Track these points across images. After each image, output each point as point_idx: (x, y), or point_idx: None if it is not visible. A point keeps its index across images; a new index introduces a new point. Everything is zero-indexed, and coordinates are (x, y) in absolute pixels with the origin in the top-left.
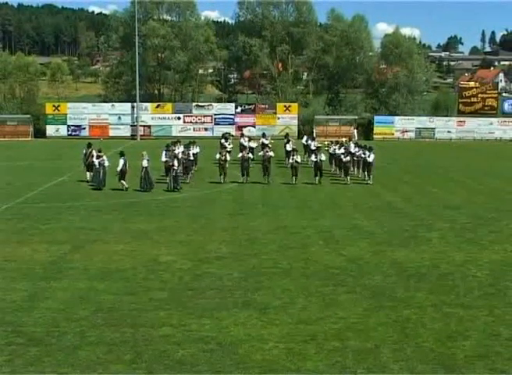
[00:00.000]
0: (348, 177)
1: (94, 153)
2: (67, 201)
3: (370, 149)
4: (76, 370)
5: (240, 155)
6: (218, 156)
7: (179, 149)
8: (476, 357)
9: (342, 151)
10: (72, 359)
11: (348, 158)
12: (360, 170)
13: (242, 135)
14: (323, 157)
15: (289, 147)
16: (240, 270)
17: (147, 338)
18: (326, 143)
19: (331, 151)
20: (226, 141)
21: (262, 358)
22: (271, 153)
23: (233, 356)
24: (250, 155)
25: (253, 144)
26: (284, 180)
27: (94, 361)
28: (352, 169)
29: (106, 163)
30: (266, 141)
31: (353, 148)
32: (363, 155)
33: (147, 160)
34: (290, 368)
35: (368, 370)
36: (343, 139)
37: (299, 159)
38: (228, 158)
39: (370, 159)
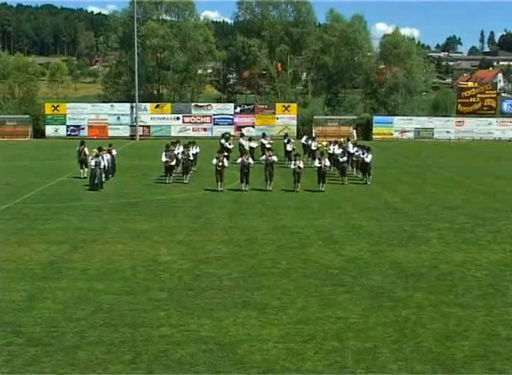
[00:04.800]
0: (345, 177)
1: (87, 151)
2: (66, 202)
3: (368, 149)
4: (76, 370)
5: (239, 160)
6: (214, 161)
7: (178, 149)
8: (475, 357)
9: (340, 151)
10: (72, 359)
11: (345, 158)
12: (359, 170)
13: (242, 135)
14: (327, 162)
15: (289, 147)
16: (239, 270)
17: (146, 338)
18: (325, 143)
19: (330, 151)
20: (227, 141)
21: (261, 359)
22: (274, 158)
23: (232, 356)
24: (251, 160)
25: (253, 144)
26: (285, 183)
27: (93, 361)
28: (350, 169)
29: (102, 164)
30: (265, 141)
31: (351, 148)
32: (361, 156)
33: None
34: (289, 368)
35: (367, 370)
36: (342, 139)
37: (301, 165)
38: (226, 163)
39: (368, 159)
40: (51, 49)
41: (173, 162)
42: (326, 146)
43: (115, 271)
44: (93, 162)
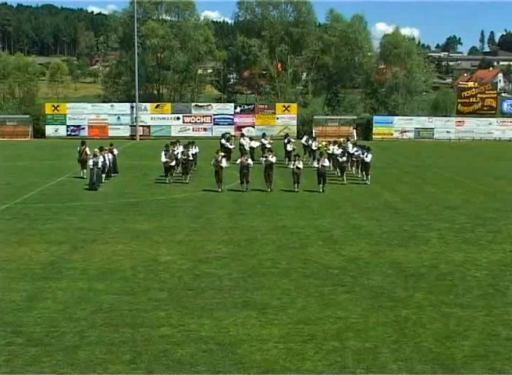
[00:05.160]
0: (345, 177)
1: (88, 151)
2: (66, 202)
3: (368, 149)
4: (76, 370)
5: (239, 161)
6: (213, 162)
7: (178, 149)
8: (475, 357)
9: (340, 151)
10: (72, 359)
11: (344, 158)
12: (359, 170)
13: (242, 135)
14: (326, 163)
15: (289, 147)
16: (239, 270)
17: (146, 338)
18: (324, 143)
19: (330, 151)
20: (228, 141)
21: (261, 359)
22: (273, 159)
23: (232, 356)
24: (250, 161)
25: (254, 145)
26: (285, 183)
27: (93, 361)
28: (350, 169)
29: (100, 164)
30: (265, 141)
31: (351, 148)
32: (361, 155)
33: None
34: (289, 368)
35: (367, 370)
36: (341, 139)
37: (301, 165)
38: (224, 164)
39: (367, 159)
40: (51, 49)
41: (173, 163)
42: (326, 146)
43: (115, 271)
44: (91, 162)
